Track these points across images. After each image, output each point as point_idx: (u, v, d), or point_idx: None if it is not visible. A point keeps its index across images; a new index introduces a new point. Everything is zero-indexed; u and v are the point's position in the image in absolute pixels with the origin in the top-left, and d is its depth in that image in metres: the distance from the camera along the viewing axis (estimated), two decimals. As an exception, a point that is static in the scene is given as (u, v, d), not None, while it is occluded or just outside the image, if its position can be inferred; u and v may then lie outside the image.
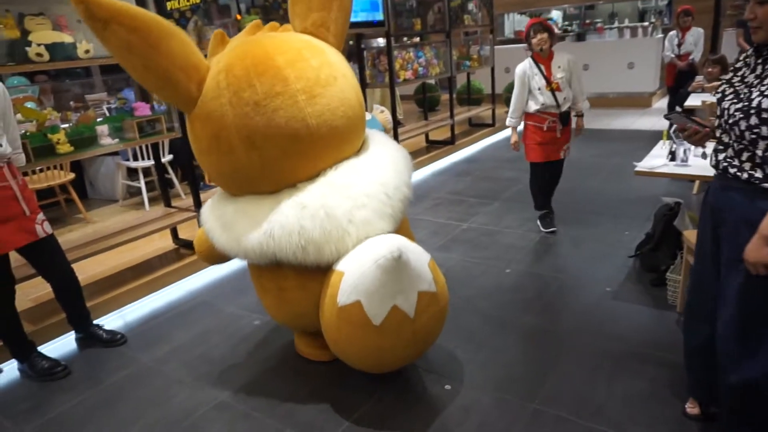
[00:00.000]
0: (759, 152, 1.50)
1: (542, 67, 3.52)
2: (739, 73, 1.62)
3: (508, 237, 3.84)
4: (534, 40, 3.47)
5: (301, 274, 2.07)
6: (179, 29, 1.97)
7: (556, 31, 10.84)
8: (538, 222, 3.93)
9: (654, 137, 3.20)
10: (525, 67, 3.58)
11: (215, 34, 2.20)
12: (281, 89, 1.91)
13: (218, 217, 2.17)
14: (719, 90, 1.66)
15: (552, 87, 3.50)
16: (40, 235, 2.45)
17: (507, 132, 7.18)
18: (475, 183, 5.21)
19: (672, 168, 2.76)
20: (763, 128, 1.46)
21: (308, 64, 1.98)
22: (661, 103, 8.33)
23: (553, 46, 3.53)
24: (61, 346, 2.86)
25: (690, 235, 2.51)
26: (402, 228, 2.21)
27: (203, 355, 2.68)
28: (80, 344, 2.85)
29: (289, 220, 1.94)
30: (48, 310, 2.98)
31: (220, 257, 2.41)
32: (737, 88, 1.59)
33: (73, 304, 2.74)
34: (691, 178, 3.16)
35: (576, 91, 3.61)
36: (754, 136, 1.50)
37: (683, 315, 2.23)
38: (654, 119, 7.50)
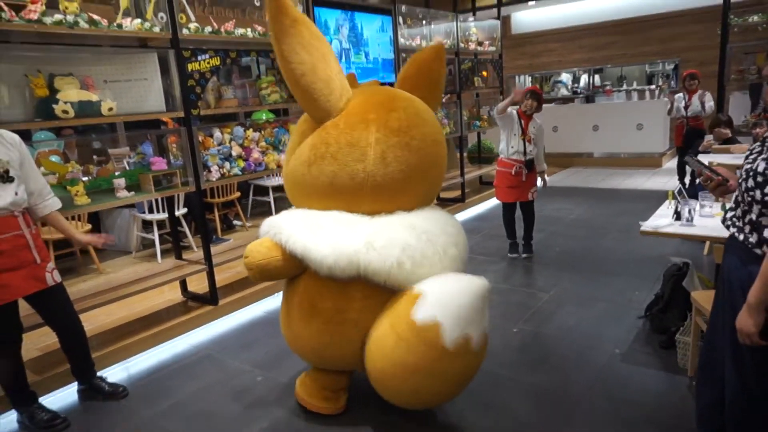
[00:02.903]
0: (753, 216, 1.51)
1: (522, 122, 4.39)
2: None
3: (516, 296, 3.81)
4: (527, 102, 4.35)
5: (369, 297, 2.18)
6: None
7: (565, 93, 11.14)
8: (508, 248, 4.73)
9: (665, 197, 3.22)
10: (513, 112, 4.46)
11: (349, 75, 2.48)
12: (419, 123, 2.26)
13: (303, 220, 2.23)
14: (751, 147, 1.67)
15: (525, 137, 4.37)
16: (49, 283, 2.50)
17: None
18: (484, 241, 5.22)
19: (677, 228, 2.75)
20: (757, 192, 1.48)
21: (427, 116, 2.36)
22: (671, 163, 8.38)
23: (537, 112, 4.40)
24: (62, 397, 2.84)
25: (698, 296, 2.48)
26: None
27: (204, 410, 2.64)
28: (82, 396, 2.83)
29: (398, 234, 2.13)
30: (53, 360, 2.99)
31: (277, 271, 2.23)
32: (763, 147, 1.58)
33: (78, 355, 2.75)
34: (696, 239, 3.14)
35: (540, 152, 4.51)
36: (749, 199, 1.52)
37: (695, 377, 2.17)
38: (664, 179, 7.53)
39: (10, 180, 2.36)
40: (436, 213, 2.36)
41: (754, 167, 1.50)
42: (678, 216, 2.88)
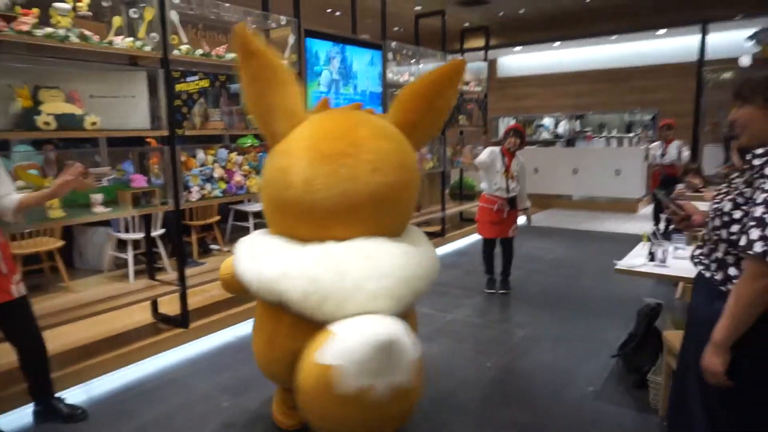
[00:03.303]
0: (719, 254, 1.55)
1: (506, 159, 4.44)
2: (736, 176, 1.63)
3: (492, 331, 3.80)
4: (509, 140, 4.43)
5: (296, 325, 2.10)
6: (297, 83, 2.31)
7: (547, 136, 11.42)
8: (486, 284, 4.74)
9: (640, 241, 3.28)
10: (496, 150, 4.53)
11: (322, 100, 2.49)
12: (352, 152, 2.12)
13: (250, 246, 2.30)
14: (718, 188, 1.70)
15: (508, 175, 4.42)
16: (14, 295, 2.42)
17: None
18: (462, 276, 5.23)
19: (650, 268, 2.80)
20: (723, 231, 1.52)
21: (383, 144, 2.20)
22: (647, 209, 8.57)
23: (520, 149, 4.46)
24: (16, 418, 2.71)
25: (670, 336, 2.50)
26: (408, 319, 2.22)
27: (166, 435, 2.55)
28: (38, 417, 2.69)
29: (307, 264, 2.05)
30: (9, 378, 2.86)
31: (239, 287, 2.34)
32: (729, 188, 1.60)
33: (37, 373, 2.64)
34: (669, 279, 3.20)
35: (523, 189, 4.55)
36: (716, 237, 1.56)
37: (666, 418, 2.17)
38: (640, 224, 7.67)
39: None
40: (376, 244, 2.12)
41: (720, 207, 1.54)
42: (652, 257, 2.93)
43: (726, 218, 1.52)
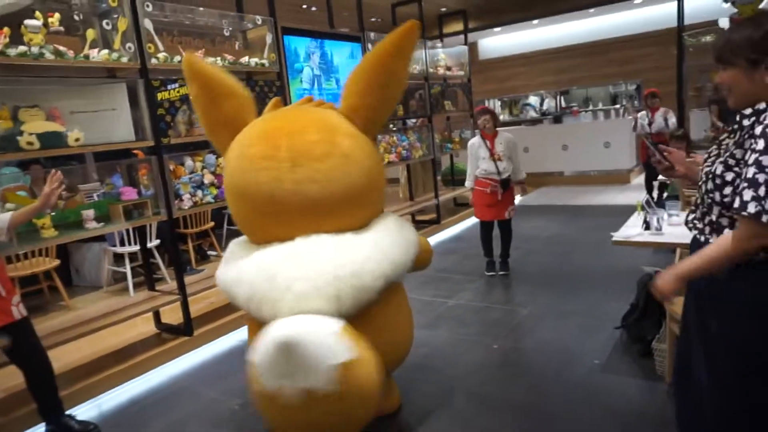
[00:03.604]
0: (713, 217, 1.56)
1: (487, 142, 4.44)
2: (725, 138, 1.63)
3: (495, 313, 3.82)
4: (479, 120, 4.50)
5: (258, 328, 2.07)
6: (241, 93, 2.33)
7: (534, 114, 11.42)
8: (485, 266, 4.72)
9: (635, 211, 3.30)
10: (474, 141, 4.57)
11: (273, 101, 2.50)
12: (271, 153, 2.10)
13: (227, 252, 2.39)
14: (708, 150, 1.68)
15: (494, 157, 4.36)
16: (15, 316, 2.42)
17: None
18: (461, 261, 5.25)
19: (646, 237, 2.82)
20: (716, 194, 1.52)
21: (306, 138, 2.14)
22: (639, 179, 8.60)
23: (496, 126, 4.49)
24: (29, 439, 2.72)
25: (671, 303, 2.52)
26: (380, 311, 2.20)
27: (179, 444, 2.56)
28: (50, 437, 2.70)
29: (248, 269, 2.10)
30: (18, 400, 2.86)
31: None
32: (720, 150, 1.59)
33: (45, 394, 2.63)
34: (665, 246, 3.22)
35: (515, 164, 4.51)
36: (709, 201, 1.56)
37: (672, 384, 2.18)
38: (634, 194, 7.68)
39: None
40: (310, 242, 2.09)
41: (712, 170, 1.54)
42: (647, 226, 2.95)
43: (718, 181, 1.52)
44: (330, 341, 1.85)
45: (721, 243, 1.49)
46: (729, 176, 1.49)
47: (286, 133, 2.15)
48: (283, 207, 2.11)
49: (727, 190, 1.49)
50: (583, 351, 3.07)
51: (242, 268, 2.13)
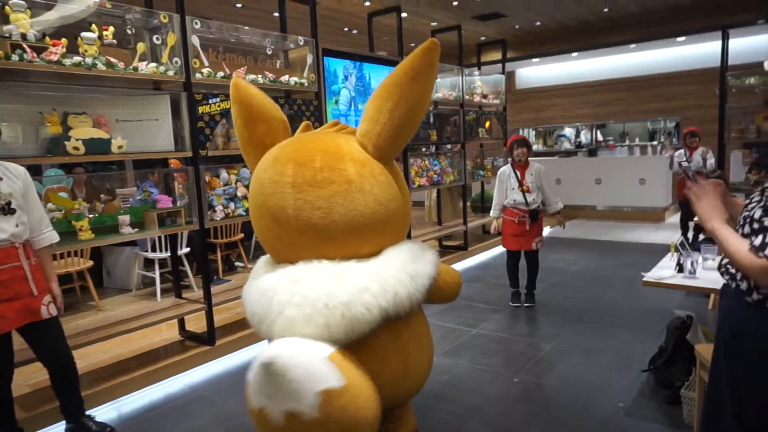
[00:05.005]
0: None
1: (518, 173, 4.44)
2: None
3: (518, 345, 3.75)
4: (516, 152, 4.43)
5: None
6: (274, 117, 2.41)
7: (568, 146, 11.32)
8: (510, 297, 4.69)
9: (668, 251, 3.22)
10: (505, 170, 4.55)
11: (303, 125, 2.56)
12: (278, 178, 2.16)
13: (254, 269, 2.44)
14: (751, 196, 1.66)
15: (522, 189, 4.37)
16: (43, 315, 2.49)
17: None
18: (486, 289, 5.19)
19: (679, 279, 2.74)
20: (752, 238, 1.48)
21: (311, 165, 2.14)
22: (675, 218, 8.40)
23: (528, 157, 4.45)
24: (50, 436, 2.78)
25: (703, 350, 2.43)
26: (393, 338, 2.18)
27: (193, 453, 2.57)
28: (69, 435, 2.76)
29: (253, 287, 2.19)
30: (43, 397, 2.93)
31: None
32: (762, 196, 1.57)
33: (68, 392, 2.69)
34: (699, 290, 3.12)
35: (546, 194, 4.48)
36: None
37: (699, 434, 2.10)
38: (668, 233, 7.52)
39: (12, 212, 2.39)
40: (308, 268, 2.10)
41: (750, 214, 1.51)
42: (681, 268, 2.87)
43: (756, 225, 1.48)
44: (313, 367, 1.83)
45: (741, 246, 1.46)
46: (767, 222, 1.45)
47: (293, 159, 2.18)
48: (286, 231, 2.16)
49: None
50: (607, 392, 2.98)
51: (252, 286, 2.22)
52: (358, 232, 2.16)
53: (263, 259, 2.44)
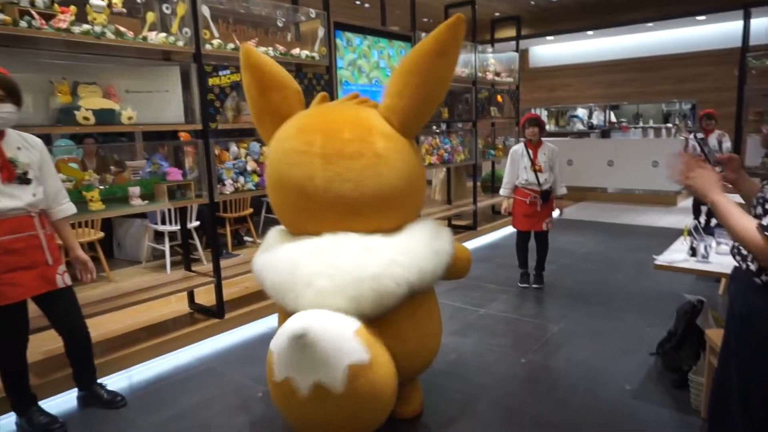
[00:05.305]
0: None
1: (530, 152, 4.35)
2: None
3: (526, 326, 3.75)
4: (528, 131, 4.36)
5: (286, 316, 2.06)
6: (290, 85, 2.37)
7: (581, 127, 11.16)
8: (519, 278, 4.65)
9: (680, 235, 3.18)
10: (517, 148, 4.46)
11: (320, 95, 2.48)
12: (305, 149, 2.12)
13: (264, 239, 2.45)
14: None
15: (535, 168, 4.30)
16: (59, 284, 2.51)
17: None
18: (495, 270, 5.17)
19: (692, 264, 2.71)
20: (765, 220, 1.45)
21: (340, 136, 2.13)
22: (687, 202, 8.30)
23: (541, 137, 4.38)
24: (62, 402, 2.82)
25: (713, 334, 2.41)
26: (407, 315, 2.18)
27: (202, 423, 2.60)
28: (81, 403, 2.80)
29: (276, 259, 2.16)
30: (56, 364, 2.97)
31: None
32: None
33: (81, 360, 2.73)
34: (711, 275, 3.08)
35: (556, 176, 4.40)
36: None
37: (707, 420, 2.09)
38: (679, 217, 7.45)
39: (28, 182, 2.39)
40: (337, 240, 2.09)
41: (764, 195, 1.48)
42: (693, 252, 2.83)
43: None
44: (343, 340, 1.84)
45: (748, 223, 1.42)
46: None
47: (321, 130, 2.15)
48: (313, 203, 2.13)
49: None
50: (614, 374, 2.98)
51: (272, 257, 2.19)
52: (384, 206, 2.19)
53: (277, 230, 2.42)
